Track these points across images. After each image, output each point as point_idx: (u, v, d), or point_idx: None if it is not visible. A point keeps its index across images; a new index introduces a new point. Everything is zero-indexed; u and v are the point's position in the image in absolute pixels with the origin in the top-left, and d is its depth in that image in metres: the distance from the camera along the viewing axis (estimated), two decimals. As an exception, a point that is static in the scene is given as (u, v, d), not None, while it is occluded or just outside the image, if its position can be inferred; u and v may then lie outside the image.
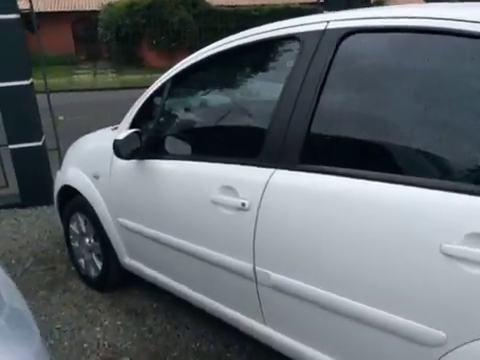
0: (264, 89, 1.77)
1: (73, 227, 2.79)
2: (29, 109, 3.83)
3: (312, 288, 1.44)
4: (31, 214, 3.94)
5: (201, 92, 2.15)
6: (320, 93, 1.48)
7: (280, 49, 1.74)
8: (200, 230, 1.84)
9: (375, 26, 1.40)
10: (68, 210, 2.80)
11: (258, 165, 1.62)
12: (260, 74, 1.86)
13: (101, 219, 2.45)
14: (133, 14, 17.86)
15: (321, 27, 1.54)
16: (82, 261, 2.79)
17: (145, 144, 2.08)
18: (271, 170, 1.57)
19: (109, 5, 18.61)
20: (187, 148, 2.01)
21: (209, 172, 1.80)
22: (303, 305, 1.50)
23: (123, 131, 2.06)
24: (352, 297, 1.34)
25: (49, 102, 4.03)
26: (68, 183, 2.66)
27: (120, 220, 2.32)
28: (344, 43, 1.47)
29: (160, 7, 17.70)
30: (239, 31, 1.87)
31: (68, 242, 2.90)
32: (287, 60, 1.65)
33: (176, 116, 2.14)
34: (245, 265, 1.64)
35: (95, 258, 2.67)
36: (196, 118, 2.09)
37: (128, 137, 1.99)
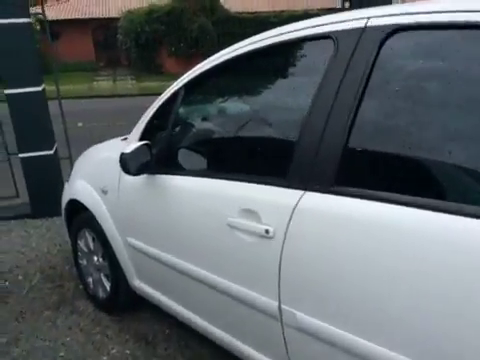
0: (291, 96, 1.54)
1: (81, 244, 2.60)
2: (40, 117, 3.69)
3: (350, 336, 1.20)
4: (41, 225, 3.78)
5: (218, 100, 1.92)
6: (360, 101, 1.24)
7: (310, 50, 1.50)
8: (217, 257, 1.62)
9: (430, 22, 1.16)
10: (76, 226, 2.62)
11: (285, 186, 1.39)
12: (287, 79, 1.62)
13: (109, 238, 2.25)
14: (152, 21, 17.94)
15: (360, 24, 1.31)
16: (90, 280, 2.60)
17: (156, 158, 1.88)
18: (300, 192, 1.34)
19: (129, 12, 18.71)
20: (202, 163, 1.80)
21: (226, 192, 1.58)
22: (338, 353, 1.26)
23: (132, 143, 1.86)
24: (405, 353, 1.09)
25: (61, 108, 3.89)
26: (75, 197, 2.47)
27: (129, 240, 2.12)
28: (389, 42, 1.24)
29: (179, 14, 17.72)
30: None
31: (76, 259, 2.71)
32: (319, 63, 1.42)
33: (190, 127, 1.93)
34: (268, 302, 1.41)
35: (103, 278, 2.48)
36: (212, 129, 1.87)
37: (136, 150, 1.79)
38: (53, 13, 20.29)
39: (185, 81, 1.85)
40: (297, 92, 1.52)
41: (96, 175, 2.36)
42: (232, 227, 1.51)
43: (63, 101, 3.97)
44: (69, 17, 20.32)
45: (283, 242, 1.35)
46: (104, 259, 2.41)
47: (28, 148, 3.67)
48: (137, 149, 1.79)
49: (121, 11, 19.04)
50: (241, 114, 1.77)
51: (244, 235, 1.47)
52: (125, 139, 2.25)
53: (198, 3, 17.76)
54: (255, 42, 1.60)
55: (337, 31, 1.36)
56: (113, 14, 19.82)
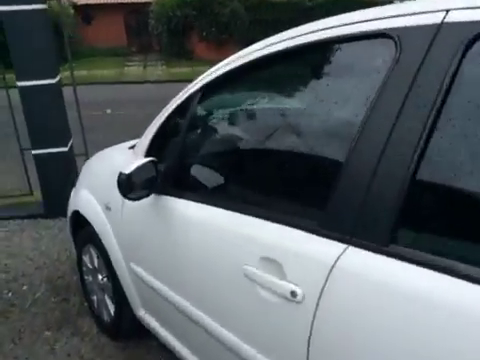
0: (335, 113, 1.18)
1: (86, 259, 2.34)
2: (55, 111, 3.44)
3: None
4: (54, 226, 3.57)
5: (241, 111, 1.56)
6: (434, 123, 0.88)
7: (359, 53, 1.13)
8: (229, 311, 1.30)
9: None
10: (80, 240, 2.36)
11: (320, 234, 1.05)
12: (330, 91, 1.24)
13: (113, 260, 1.97)
14: (184, 6, 17.59)
15: (435, 19, 0.93)
16: (95, 298, 2.34)
17: (164, 175, 1.56)
18: (341, 246, 0.99)
19: (161, -4, 18.42)
20: (216, 188, 1.46)
21: (244, 230, 1.24)
22: None
23: (134, 160, 1.54)
24: None
25: (76, 98, 3.61)
26: (78, 209, 2.20)
27: (132, 266, 1.83)
28: (478, 46, 0.87)
29: (211, -2, 17.28)
30: (292, 24, 1.29)
31: (81, 273, 2.46)
32: (372, 71, 1.06)
33: (204, 143, 1.60)
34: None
35: (108, 300, 2.21)
36: (230, 149, 1.52)
37: (137, 170, 1.47)
38: (86, -3, 20.27)
39: (203, 83, 1.51)
40: (343, 108, 1.15)
41: (100, 188, 2.07)
42: (248, 278, 1.18)
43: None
44: (102, 1, 20.18)
45: (315, 311, 1.01)
46: (108, 280, 2.14)
47: (41, 144, 3.44)
48: (138, 168, 1.47)
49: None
50: (268, 129, 1.42)
51: (263, 291, 1.14)
52: (132, 148, 1.94)
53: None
54: (290, 39, 1.24)
55: (400, 28, 0.99)
56: (146, -2, 19.56)
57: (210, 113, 1.60)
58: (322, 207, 1.06)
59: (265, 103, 1.49)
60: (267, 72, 1.43)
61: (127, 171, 1.44)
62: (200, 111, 1.55)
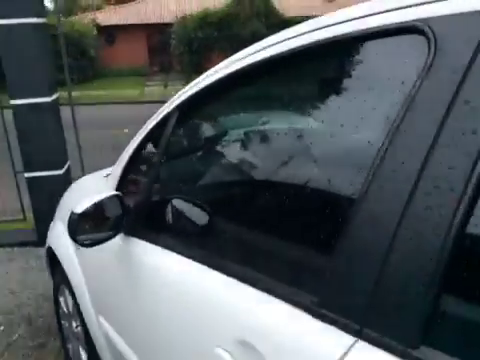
0: (345, 136, 0.84)
1: (61, 301, 2.04)
2: (50, 131, 3.21)
3: None
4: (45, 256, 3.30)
5: (222, 138, 1.24)
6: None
7: (381, 53, 0.80)
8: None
9: None
10: (56, 279, 2.06)
11: (317, 315, 0.71)
12: (339, 102, 0.89)
13: (82, 309, 1.66)
14: (206, 27, 17.72)
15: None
16: (70, 347, 2.03)
17: (134, 214, 1.26)
18: (347, 338, 0.66)
19: (182, 18, 18.62)
20: (190, 234, 1.13)
21: (220, 297, 0.92)
22: None
23: (93, 195, 1.23)
24: None
25: (74, 118, 3.39)
26: (50, 245, 1.91)
27: (101, 321, 1.51)
28: None
29: (233, 19, 17.34)
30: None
31: (57, 317, 2.16)
32: (393, 81, 0.73)
33: (179, 176, 1.29)
34: None
35: (82, 352, 1.89)
36: (210, 185, 1.19)
37: (95, 208, 1.16)
38: (111, 18, 20.67)
39: (180, 100, 1.21)
40: (356, 129, 0.82)
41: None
42: (222, 364, 0.85)
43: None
44: (125, 22, 20.52)
45: None
46: (82, 329, 1.83)
47: (34, 167, 3.21)
48: (96, 206, 1.17)
49: (176, 17, 18.97)
50: (259, 159, 1.10)
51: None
52: (108, 176, 1.65)
53: (252, 8, 17.28)
54: (292, 37, 0.92)
55: (435, 18, 0.67)
56: (168, 20, 19.77)
57: (189, 137, 1.29)
58: (323, 275, 0.73)
59: (255, 124, 1.16)
60: (259, 83, 1.12)
61: (78, 210, 1.14)
62: (177, 135, 1.24)
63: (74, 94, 3.43)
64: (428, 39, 0.66)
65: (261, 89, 1.13)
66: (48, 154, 3.22)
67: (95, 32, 18.73)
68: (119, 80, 18.21)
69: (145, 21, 20.74)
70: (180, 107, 1.20)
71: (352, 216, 0.69)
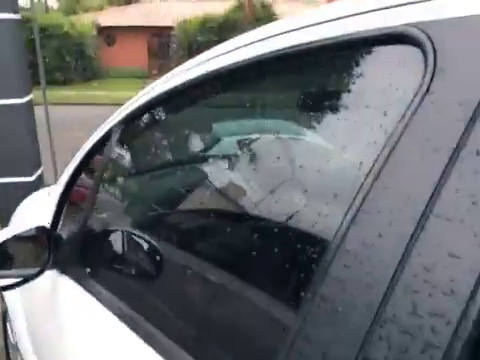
0: (326, 163, 0.62)
1: (8, 330, 1.82)
2: (22, 134, 3.00)
3: None
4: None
5: (174, 158, 1.02)
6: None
7: (359, 70, 0.59)
8: None
9: None
10: (4, 303, 1.84)
11: None
12: (319, 123, 0.66)
13: (20, 347, 1.44)
14: (206, 31, 17.63)
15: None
16: (17, 383, 1.81)
17: (68, 249, 1.04)
18: None
19: (183, 22, 18.51)
20: (124, 278, 0.91)
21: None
22: None
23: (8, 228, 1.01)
24: None
25: (47, 119, 3.18)
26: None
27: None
28: None
29: (232, 24, 17.25)
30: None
31: (6, 346, 1.93)
32: (379, 104, 0.53)
33: (119, 205, 1.08)
34: None
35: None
36: (156, 217, 0.96)
37: (15, 242, 0.95)
38: (111, 19, 20.52)
39: (126, 113, 1.00)
40: (341, 152, 0.61)
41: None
42: None
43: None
44: (126, 24, 20.37)
45: None
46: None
47: (2, 172, 2.99)
48: (17, 239, 0.96)
49: (177, 20, 18.85)
50: (219, 187, 0.88)
51: None
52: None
53: (252, 13, 17.19)
54: (266, 38, 0.71)
55: (434, 23, 0.46)
56: (169, 23, 19.64)
57: (134, 157, 1.07)
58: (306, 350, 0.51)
59: (216, 143, 0.95)
60: (217, 93, 0.91)
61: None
62: (120, 154, 1.03)
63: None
64: (424, 52, 0.46)
65: (220, 102, 0.92)
66: (18, 159, 3.00)
67: (94, 32, 18.56)
68: (118, 81, 18.02)
69: (146, 23, 20.60)
70: (125, 121, 0.99)
71: (335, 258, 0.47)
